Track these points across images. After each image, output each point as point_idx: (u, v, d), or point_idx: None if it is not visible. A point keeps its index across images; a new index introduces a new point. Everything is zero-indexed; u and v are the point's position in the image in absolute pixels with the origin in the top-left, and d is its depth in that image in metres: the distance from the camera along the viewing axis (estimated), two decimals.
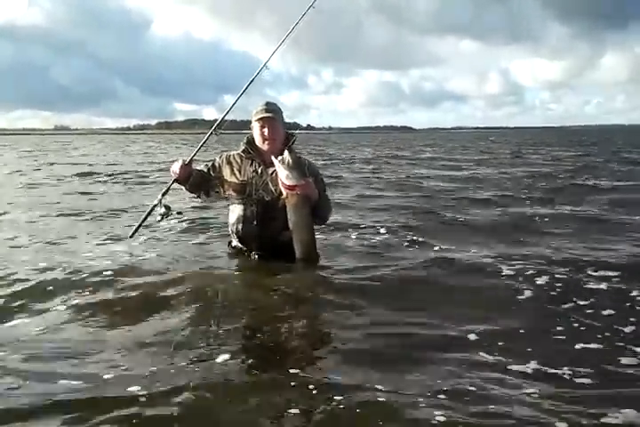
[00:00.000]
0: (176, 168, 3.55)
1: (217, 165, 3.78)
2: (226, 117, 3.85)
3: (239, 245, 3.81)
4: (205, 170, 3.77)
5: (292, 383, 2.01)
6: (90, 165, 15.39)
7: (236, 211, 3.69)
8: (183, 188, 3.68)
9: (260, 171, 3.64)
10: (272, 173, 3.54)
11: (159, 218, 3.60)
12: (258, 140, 3.61)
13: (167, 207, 3.59)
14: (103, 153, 22.69)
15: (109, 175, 11.70)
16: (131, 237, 3.80)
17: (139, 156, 21.90)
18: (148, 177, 11.49)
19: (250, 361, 2.26)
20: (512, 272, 3.70)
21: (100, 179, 11.02)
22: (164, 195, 3.62)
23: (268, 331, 2.60)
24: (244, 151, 3.69)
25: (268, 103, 3.60)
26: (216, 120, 3.88)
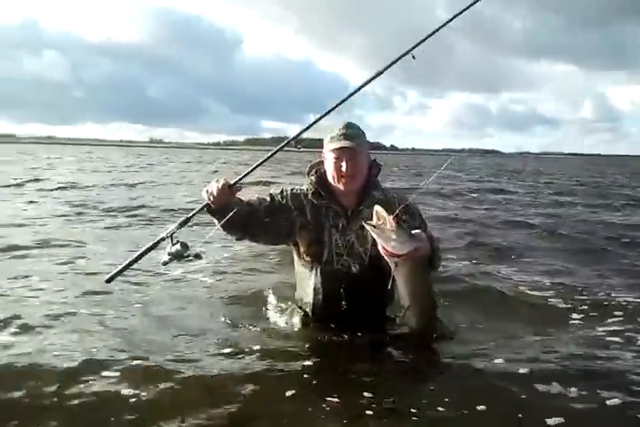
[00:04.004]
0: (213, 189, 2.38)
1: (278, 200, 2.65)
2: (308, 136, 2.64)
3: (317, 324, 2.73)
4: (257, 203, 2.62)
5: None
6: None
7: (310, 283, 2.62)
8: (215, 222, 2.48)
9: (340, 225, 2.59)
10: (359, 228, 2.54)
11: (166, 259, 2.37)
12: (332, 177, 2.56)
13: (184, 245, 2.36)
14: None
15: None
16: (107, 281, 2.48)
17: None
18: None
19: None
20: None
21: None
22: (181, 225, 2.42)
23: None
24: (313, 194, 2.64)
25: (348, 126, 2.56)
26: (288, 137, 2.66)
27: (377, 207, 2.25)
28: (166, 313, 3.22)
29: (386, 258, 2.30)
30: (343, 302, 2.57)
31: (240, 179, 2.46)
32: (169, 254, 2.36)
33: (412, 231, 2.27)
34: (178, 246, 2.35)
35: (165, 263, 2.38)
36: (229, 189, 2.40)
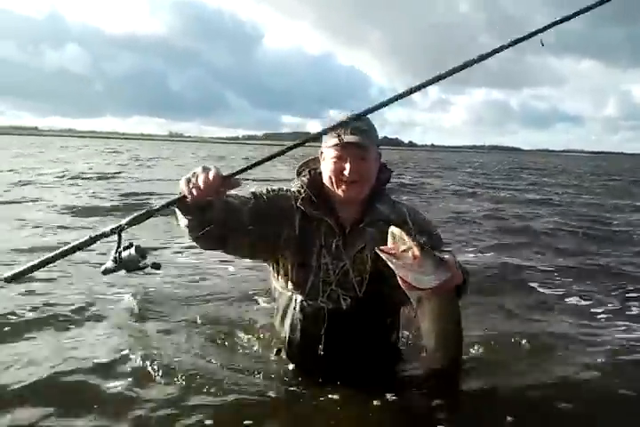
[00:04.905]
0: (200, 180, 1.64)
1: (265, 201, 2.01)
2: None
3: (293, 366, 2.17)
4: (238, 204, 1.93)
5: None
6: None
7: (287, 316, 2.08)
8: (181, 224, 1.82)
9: (334, 246, 2.01)
10: (358, 251, 2.01)
11: (110, 266, 1.66)
12: (329, 180, 1.98)
13: (140, 251, 1.66)
14: None
15: None
16: (7, 280, 1.64)
17: None
18: None
19: None
20: None
21: None
22: (136, 221, 1.67)
23: None
24: (304, 200, 2.02)
25: (356, 117, 1.88)
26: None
27: (393, 229, 1.75)
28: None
29: (406, 291, 1.78)
30: (321, 346, 2.02)
31: (240, 171, 1.72)
32: (115, 261, 1.66)
33: (441, 256, 1.76)
34: (132, 251, 1.65)
35: (107, 272, 1.68)
36: (223, 183, 1.67)
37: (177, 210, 1.76)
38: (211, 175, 1.62)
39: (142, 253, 1.67)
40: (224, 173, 1.68)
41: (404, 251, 1.70)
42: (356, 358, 2.04)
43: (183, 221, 1.78)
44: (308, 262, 2.00)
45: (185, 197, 1.68)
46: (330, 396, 1.98)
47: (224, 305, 3.25)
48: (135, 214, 1.69)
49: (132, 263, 1.67)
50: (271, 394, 1.99)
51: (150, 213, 1.68)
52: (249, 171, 1.73)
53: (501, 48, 1.74)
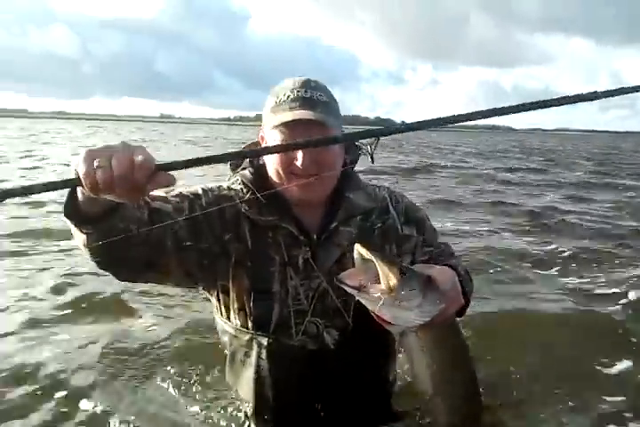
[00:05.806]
0: (118, 164, 0.87)
1: (202, 206, 1.40)
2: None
3: None
4: (168, 208, 1.32)
5: None
6: None
7: (248, 369, 1.49)
8: (78, 239, 1.13)
9: (300, 260, 1.43)
10: (335, 262, 1.44)
11: None
12: (277, 174, 1.38)
13: None
14: None
15: None
16: None
17: None
18: None
19: None
20: None
21: None
22: None
23: None
24: (250, 204, 1.43)
25: (307, 84, 1.38)
26: None
27: (358, 247, 1.17)
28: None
29: (385, 327, 1.21)
30: (304, 405, 1.46)
31: (185, 165, 0.91)
32: None
33: (428, 274, 1.19)
34: None
35: None
36: (153, 175, 0.89)
37: (66, 216, 1.06)
38: (138, 158, 0.88)
39: None
40: (156, 161, 0.91)
41: (376, 278, 1.14)
42: (350, 413, 1.49)
43: (78, 234, 1.12)
44: (269, 288, 1.42)
45: (79, 182, 0.90)
46: None
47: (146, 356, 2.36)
48: None
49: None
50: None
51: None
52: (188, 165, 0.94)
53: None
